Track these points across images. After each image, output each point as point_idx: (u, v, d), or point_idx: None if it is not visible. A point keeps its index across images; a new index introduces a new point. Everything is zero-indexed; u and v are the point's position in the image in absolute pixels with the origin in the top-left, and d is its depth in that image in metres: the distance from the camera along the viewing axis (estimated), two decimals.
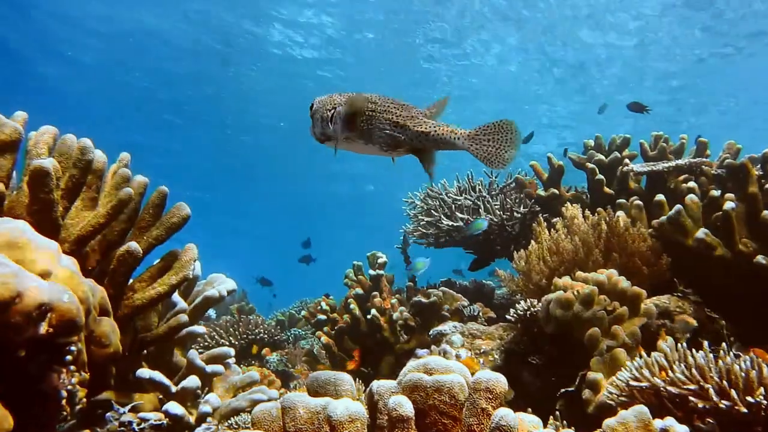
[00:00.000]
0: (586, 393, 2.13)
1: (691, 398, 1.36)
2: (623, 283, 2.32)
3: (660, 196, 2.72)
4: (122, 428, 1.17)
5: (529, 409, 2.00)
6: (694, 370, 1.39)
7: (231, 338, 3.87)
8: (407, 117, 1.56)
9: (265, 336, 4.02)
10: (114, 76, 13.66)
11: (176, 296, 1.91)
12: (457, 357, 2.62)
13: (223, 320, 4.28)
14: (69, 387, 0.95)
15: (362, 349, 3.22)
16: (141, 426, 1.25)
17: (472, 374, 1.19)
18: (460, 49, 12.09)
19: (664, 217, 2.56)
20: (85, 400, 1.02)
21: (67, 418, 0.95)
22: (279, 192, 21.47)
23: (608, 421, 1.25)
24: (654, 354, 1.84)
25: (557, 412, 2.11)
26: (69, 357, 0.96)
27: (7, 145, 1.37)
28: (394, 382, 1.19)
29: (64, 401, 0.94)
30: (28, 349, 0.84)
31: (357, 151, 1.64)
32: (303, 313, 4.47)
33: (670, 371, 1.46)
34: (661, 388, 1.45)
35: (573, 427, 2.00)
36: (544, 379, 2.44)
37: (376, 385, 1.21)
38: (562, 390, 2.29)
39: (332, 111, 1.57)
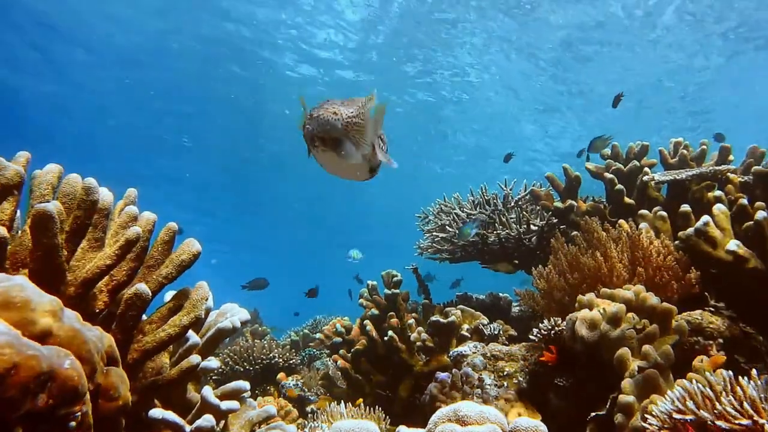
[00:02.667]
0: (619, 417, 2.03)
1: None
2: (652, 299, 2.23)
3: (685, 207, 2.62)
4: None
5: None
6: (746, 404, 1.29)
7: (246, 364, 3.79)
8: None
9: (280, 360, 3.94)
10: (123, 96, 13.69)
11: None
12: (480, 380, 2.52)
13: (236, 344, 4.20)
14: None
15: (380, 371, 3.13)
16: None
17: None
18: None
19: (691, 229, 2.47)
20: None
21: None
22: (288, 206, 21.42)
23: None
24: (693, 379, 1.74)
25: None
26: (72, 423, 0.88)
27: (8, 189, 1.31)
28: (423, 431, 1.11)
29: None
30: (25, 424, 0.76)
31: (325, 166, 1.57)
32: (318, 335, 4.38)
33: (717, 403, 1.36)
34: (709, 422, 1.35)
35: None
36: (572, 402, 2.35)
37: None
38: (593, 414, 2.20)
39: None
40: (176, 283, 1.67)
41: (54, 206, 1.29)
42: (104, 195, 1.49)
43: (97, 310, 1.49)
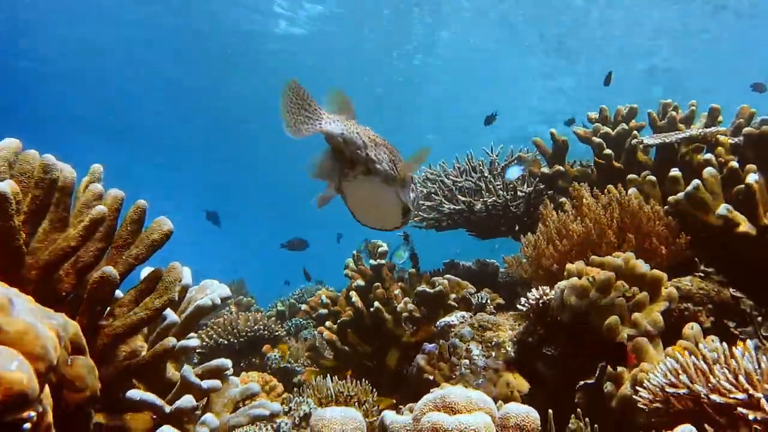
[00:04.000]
0: (608, 386, 2.01)
1: (739, 408, 1.22)
2: (642, 266, 2.19)
3: (675, 171, 2.56)
4: None
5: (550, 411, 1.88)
6: (741, 377, 1.25)
7: (230, 337, 3.74)
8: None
9: (266, 332, 3.89)
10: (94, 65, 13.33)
11: None
12: (467, 351, 2.49)
13: (220, 316, 4.15)
14: None
15: (367, 343, 3.09)
16: None
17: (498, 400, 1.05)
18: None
19: (681, 194, 2.41)
20: None
21: None
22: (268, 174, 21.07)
23: None
24: (686, 350, 1.70)
25: (578, 410, 1.98)
26: (27, 426, 0.81)
27: None
28: (408, 417, 1.05)
29: None
30: None
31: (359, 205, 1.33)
32: (303, 306, 4.33)
33: (711, 376, 1.32)
34: (702, 396, 1.31)
35: (595, 423, 1.88)
36: (561, 371, 2.32)
37: (389, 420, 1.07)
38: (581, 383, 2.17)
39: None
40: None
41: (8, 185, 1.19)
42: (65, 172, 1.39)
43: (64, 294, 1.41)
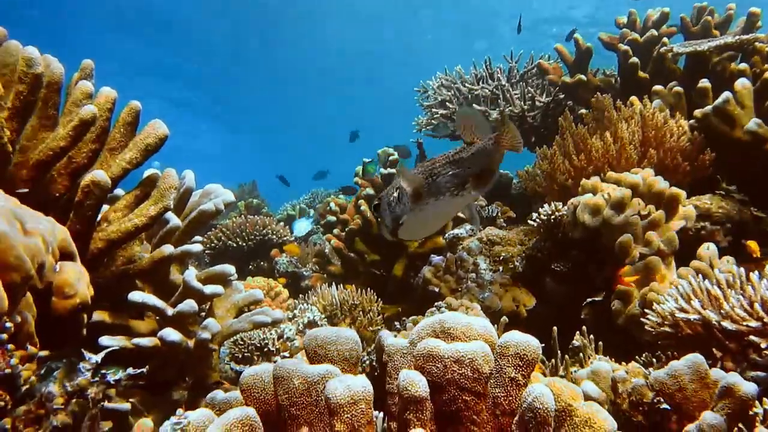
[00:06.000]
0: (616, 304, 1.98)
1: (751, 336, 1.18)
2: (660, 183, 2.09)
3: (704, 82, 2.40)
4: (94, 381, 1.01)
5: (555, 328, 1.86)
6: (756, 305, 1.19)
7: (239, 239, 3.74)
8: (462, 150, 1.24)
9: (274, 237, 3.88)
10: None
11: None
12: (475, 265, 2.46)
13: (231, 218, 4.14)
14: (6, 371, 0.77)
15: (375, 251, 3.07)
16: (116, 377, 1.10)
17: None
18: None
19: (708, 107, 2.27)
20: (33, 378, 0.84)
21: (8, 407, 0.78)
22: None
23: (657, 374, 1.08)
24: (701, 273, 1.65)
25: (583, 327, 1.96)
26: (3, 336, 0.77)
27: None
28: (405, 341, 1.01)
29: None
30: None
31: (430, 220, 1.30)
32: (312, 212, 4.30)
33: (725, 302, 1.27)
34: (714, 322, 1.26)
35: (600, 340, 1.87)
36: (569, 287, 2.29)
37: (387, 343, 1.03)
38: (589, 299, 2.15)
39: (397, 191, 1.24)
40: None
41: None
42: (53, 67, 1.30)
43: (57, 195, 1.36)
